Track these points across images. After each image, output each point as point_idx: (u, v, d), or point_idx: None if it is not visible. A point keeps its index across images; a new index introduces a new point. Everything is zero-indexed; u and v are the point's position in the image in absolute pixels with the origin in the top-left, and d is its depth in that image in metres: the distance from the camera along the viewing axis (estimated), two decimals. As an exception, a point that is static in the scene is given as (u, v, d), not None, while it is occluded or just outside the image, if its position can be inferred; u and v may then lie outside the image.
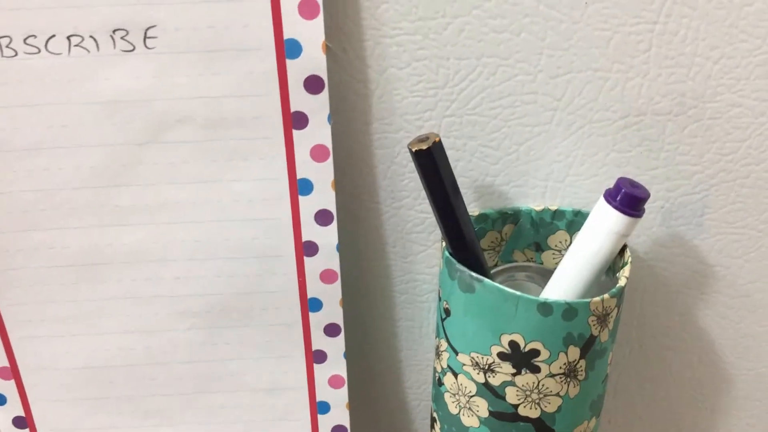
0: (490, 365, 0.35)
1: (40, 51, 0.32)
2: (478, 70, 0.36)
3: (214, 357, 0.41)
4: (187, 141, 0.35)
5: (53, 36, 0.32)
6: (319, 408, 0.42)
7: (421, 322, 0.44)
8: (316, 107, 0.34)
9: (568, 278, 0.36)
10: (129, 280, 0.38)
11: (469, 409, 0.37)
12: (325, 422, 0.43)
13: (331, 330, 0.40)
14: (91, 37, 0.32)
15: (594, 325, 0.34)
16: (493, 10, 0.34)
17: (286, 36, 0.33)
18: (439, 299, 0.38)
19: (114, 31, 0.32)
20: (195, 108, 0.34)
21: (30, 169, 0.35)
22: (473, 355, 0.36)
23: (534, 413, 0.36)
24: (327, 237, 0.37)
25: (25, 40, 0.32)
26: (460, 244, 0.35)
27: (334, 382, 0.42)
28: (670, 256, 0.42)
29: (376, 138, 0.37)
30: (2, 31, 0.32)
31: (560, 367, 0.35)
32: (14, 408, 0.42)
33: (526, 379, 0.35)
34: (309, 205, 0.37)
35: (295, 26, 0.32)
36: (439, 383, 0.39)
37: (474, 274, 0.34)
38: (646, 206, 0.35)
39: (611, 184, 0.38)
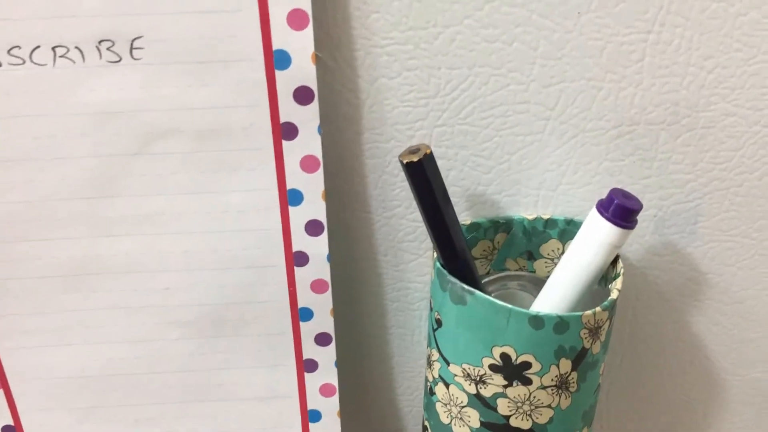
0: (481, 377, 0.35)
1: (24, 62, 0.32)
2: (469, 80, 0.35)
3: (205, 366, 0.41)
4: (175, 152, 0.34)
5: (38, 47, 0.32)
6: (310, 416, 0.42)
7: (413, 329, 0.44)
8: (306, 118, 0.34)
9: (560, 289, 0.36)
10: (118, 291, 0.38)
11: (461, 419, 0.37)
12: (317, 430, 0.43)
13: (322, 339, 0.40)
14: (76, 47, 0.32)
15: (586, 337, 0.34)
16: (484, 20, 0.34)
17: (275, 47, 0.32)
18: (431, 309, 0.37)
19: (100, 42, 0.32)
20: (184, 119, 0.34)
21: (16, 181, 0.35)
22: (465, 366, 0.35)
23: (526, 424, 0.36)
24: (317, 247, 0.37)
25: (9, 51, 0.32)
26: (452, 255, 0.35)
27: (326, 390, 0.41)
28: (663, 264, 0.41)
29: (367, 147, 0.37)
30: (-14, 42, 0.32)
31: (552, 380, 0.35)
32: (3, 417, 0.41)
33: (518, 391, 0.35)
34: (299, 216, 0.36)
35: (284, 37, 0.32)
36: (431, 392, 0.39)
37: (465, 286, 0.34)
38: (639, 215, 0.35)
39: (604, 193, 0.38)
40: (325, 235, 0.37)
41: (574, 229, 0.39)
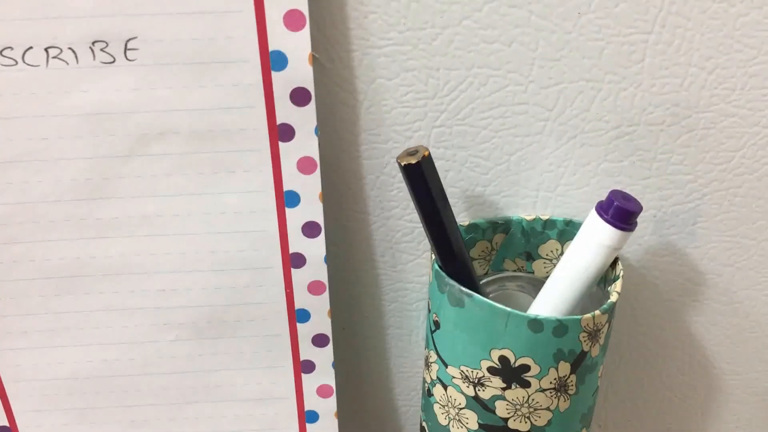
0: (479, 379, 0.35)
1: (17, 63, 0.32)
2: (468, 81, 0.35)
3: (202, 368, 0.40)
4: (171, 153, 0.34)
5: (30, 48, 0.31)
6: (307, 417, 0.42)
7: (411, 330, 0.44)
8: (303, 119, 0.34)
9: (558, 291, 0.35)
10: (111, 293, 0.38)
11: (459, 421, 0.37)
12: (314, 431, 0.43)
13: (319, 340, 0.40)
14: (69, 48, 0.31)
15: (585, 341, 0.34)
16: (483, 21, 0.33)
17: (271, 48, 0.32)
18: (429, 311, 0.37)
19: (93, 43, 0.31)
20: (179, 120, 0.33)
21: (9, 182, 0.34)
22: (463, 368, 0.35)
23: (524, 427, 0.36)
24: (315, 249, 0.37)
25: (1, 52, 0.31)
26: (450, 258, 0.35)
27: (323, 391, 0.41)
28: (662, 264, 0.41)
29: (364, 149, 0.37)
30: (-22, 43, 0.31)
31: (550, 382, 0.34)
32: (-2, 418, 0.41)
33: (516, 393, 0.35)
34: (296, 218, 0.36)
35: (280, 38, 0.32)
36: (429, 394, 0.39)
37: (464, 288, 0.34)
38: (639, 216, 0.35)
39: (603, 194, 0.38)
40: (322, 237, 0.36)
41: (573, 229, 0.39)
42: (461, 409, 0.37)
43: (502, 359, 0.34)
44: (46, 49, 0.31)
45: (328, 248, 0.38)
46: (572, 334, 0.33)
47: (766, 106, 0.36)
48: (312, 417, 0.42)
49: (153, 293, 0.38)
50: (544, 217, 0.39)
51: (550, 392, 0.35)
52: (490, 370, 0.34)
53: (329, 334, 0.39)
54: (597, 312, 0.33)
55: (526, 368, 0.34)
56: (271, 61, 0.32)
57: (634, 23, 0.34)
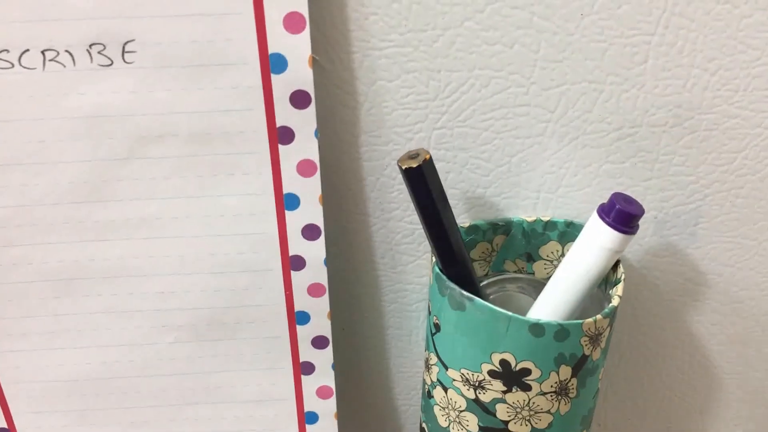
0: (480, 382, 0.35)
1: (13, 66, 0.31)
2: (469, 82, 0.35)
3: (201, 369, 0.40)
4: (170, 156, 0.34)
5: (27, 50, 0.31)
6: (307, 418, 0.42)
7: (410, 330, 0.43)
8: (303, 122, 0.33)
9: (559, 294, 0.35)
10: (110, 295, 0.37)
11: (459, 423, 0.37)
12: (314, 432, 0.43)
13: (318, 342, 0.39)
14: (66, 51, 0.31)
15: (586, 345, 0.34)
16: (485, 22, 0.33)
17: (271, 50, 0.31)
18: (429, 313, 0.37)
19: (91, 46, 0.31)
20: (178, 123, 0.33)
21: (7, 185, 0.34)
22: (463, 371, 0.35)
23: (524, 429, 0.36)
24: (314, 251, 0.37)
25: (-3, 54, 0.31)
26: (450, 261, 0.35)
27: (323, 392, 0.41)
28: (663, 265, 0.41)
29: (364, 150, 0.36)
30: (-26, 46, 0.31)
31: (551, 386, 0.34)
32: (-3, 420, 0.41)
33: (517, 396, 0.35)
34: (296, 220, 0.36)
35: (280, 40, 0.31)
36: (429, 395, 0.39)
37: (464, 292, 0.34)
38: (640, 217, 0.34)
39: (604, 195, 0.38)
40: (322, 240, 0.36)
41: (573, 231, 0.38)
42: (461, 411, 0.36)
43: (503, 363, 0.34)
44: (42, 52, 0.31)
45: (328, 249, 0.37)
46: (573, 339, 0.33)
47: (768, 108, 0.36)
48: (312, 418, 0.42)
49: (152, 295, 0.38)
50: (545, 219, 0.39)
51: (551, 395, 0.35)
52: (491, 373, 0.34)
53: (329, 336, 0.39)
54: (599, 316, 0.33)
55: (527, 372, 0.34)
56: (271, 64, 0.32)
57: (637, 24, 0.33)
